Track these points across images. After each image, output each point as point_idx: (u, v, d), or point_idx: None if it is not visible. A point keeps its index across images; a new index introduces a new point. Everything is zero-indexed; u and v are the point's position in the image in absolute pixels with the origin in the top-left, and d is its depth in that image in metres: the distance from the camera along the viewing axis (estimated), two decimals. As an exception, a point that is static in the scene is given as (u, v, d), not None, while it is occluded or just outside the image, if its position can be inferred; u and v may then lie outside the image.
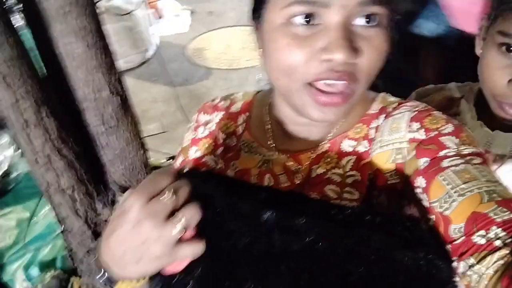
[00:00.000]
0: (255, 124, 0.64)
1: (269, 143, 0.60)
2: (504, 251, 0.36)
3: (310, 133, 0.57)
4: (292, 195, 0.53)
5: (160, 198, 0.40)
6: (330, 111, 0.48)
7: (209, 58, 3.49)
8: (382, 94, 0.59)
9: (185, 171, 0.48)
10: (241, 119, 0.65)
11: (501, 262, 0.36)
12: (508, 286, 0.34)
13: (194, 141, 0.66)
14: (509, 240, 0.37)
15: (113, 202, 1.36)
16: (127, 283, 0.48)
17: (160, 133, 2.66)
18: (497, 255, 0.36)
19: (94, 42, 1.15)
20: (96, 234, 1.35)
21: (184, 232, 0.40)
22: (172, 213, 0.40)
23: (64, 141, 1.15)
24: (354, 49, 0.43)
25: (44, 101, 1.07)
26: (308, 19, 0.44)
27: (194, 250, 0.41)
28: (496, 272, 0.36)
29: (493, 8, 0.67)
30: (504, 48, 0.63)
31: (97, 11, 1.18)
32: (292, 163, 0.58)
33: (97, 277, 0.46)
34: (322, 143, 0.57)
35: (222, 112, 0.67)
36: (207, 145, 0.64)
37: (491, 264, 0.36)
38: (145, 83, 3.20)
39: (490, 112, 0.71)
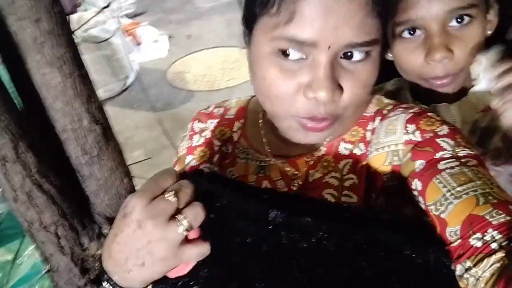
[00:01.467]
0: (250, 130, 0.64)
1: (265, 148, 0.60)
2: (500, 254, 0.36)
3: None
4: (294, 196, 0.53)
5: (163, 198, 0.39)
6: (314, 135, 0.50)
7: (189, 81, 3.49)
8: (377, 96, 0.60)
9: (188, 172, 0.47)
10: (236, 126, 0.65)
11: (497, 265, 0.36)
12: None
13: (190, 150, 0.66)
14: (505, 243, 0.36)
15: (99, 235, 1.30)
16: None
17: (145, 159, 2.62)
18: (493, 258, 0.36)
19: (71, 71, 1.12)
20: (84, 271, 1.29)
21: (189, 233, 0.40)
22: (176, 213, 0.40)
23: (44, 176, 1.10)
24: (337, 88, 0.45)
25: (22, 135, 1.03)
26: (295, 54, 0.45)
27: (199, 250, 0.41)
28: (492, 275, 0.36)
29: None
30: (406, 33, 0.65)
31: (74, 40, 1.15)
32: (289, 168, 0.57)
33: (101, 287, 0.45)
34: (319, 147, 0.56)
35: (217, 119, 0.67)
36: (203, 153, 0.64)
37: (488, 267, 0.36)
38: (127, 110, 3.17)
39: (425, 91, 0.74)
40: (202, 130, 0.67)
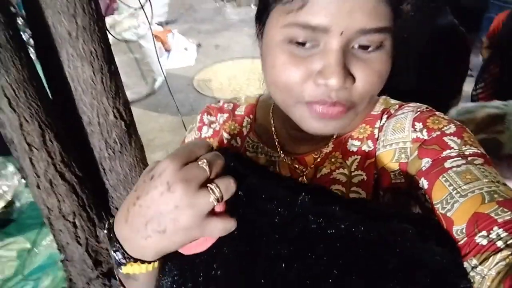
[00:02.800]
0: (260, 126, 0.63)
1: (275, 144, 0.60)
2: (506, 252, 0.36)
3: (314, 136, 0.56)
4: (319, 187, 0.51)
5: (197, 164, 0.37)
6: (330, 123, 0.47)
7: (215, 88, 3.53)
8: (384, 97, 0.59)
9: (217, 149, 0.45)
10: (245, 121, 0.65)
11: (503, 263, 0.35)
12: (510, 287, 0.33)
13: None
14: (511, 240, 0.36)
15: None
16: (138, 266, 0.42)
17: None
18: (499, 256, 0.36)
19: (101, 67, 1.16)
20: (97, 263, 1.31)
21: (216, 205, 0.37)
22: (206, 183, 0.37)
23: (67, 165, 1.13)
24: (349, 75, 0.43)
25: (50, 124, 1.07)
26: (306, 41, 0.44)
27: (225, 225, 0.38)
28: (498, 273, 0.35)
29: None
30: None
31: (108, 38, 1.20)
32: (297, 165, 0.57)
33: (111, 253, 0.42)
34: (327, 144, 0.56)
35: (227, 114, 0.66)
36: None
37: (493, 265, 0.36)
38: (152, 113, 3.23)
39: None
40: (211, 123, 0.66)
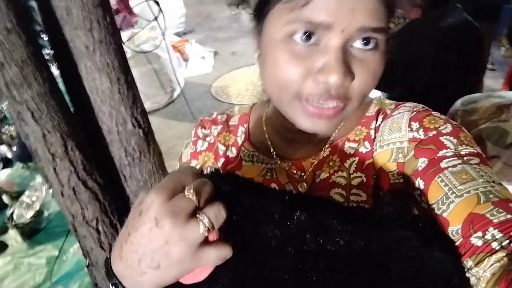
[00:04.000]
0: (254, 134, 0.63)
1: (270, 151, 0.60)
2: (501, 254, 0.35)
3: (310, 139, 0.57)
4: (315, 197, 0.51)
5: (183, 195, 0.36)
6: (321, 123, 0.47)
7: (232, 95, 3.57)
8: (378, 97, 0.59)
9: (206, 172, 0.44)
10: (240, 131, 0.65)
11: (498, 264, 0.35)
12: None
13: (194, 155, 0.65)
14: (506, 242, 0.36)
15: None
16: None
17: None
18: (494, 257, 0.36)
19: (118, 78, 1.21)
20: None
21: (209, 234, 0.36)
22: (195, 213, 0.36)
23: (89, 173, 1.18)
24: (349, 73, 0.44)
25: (70, 135, 1.12)
26: (308, 38, 0.44)
27: (220, 253, 0.37)
28: (493, 274, 0.35)
29: None
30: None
31: (126, 54, 1.24)
32: (295, 171, 0.57)
33: None
34: (323, 148, 0.56)
35: (221, 126, 0.66)
36: (207, 158, 0.64)
37: (488, 267, 0.36)
38: (172, 122, 3.30)
39: None
40: (206, 136, 0.66)
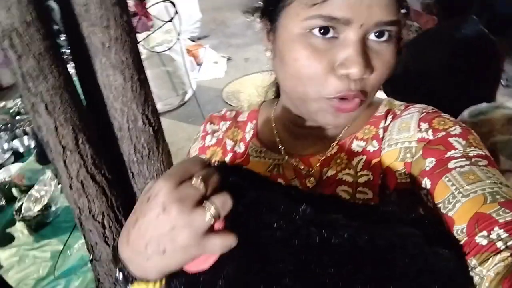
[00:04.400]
0: (263, 130, 0.64)
1: (278, 147, 0.60)
2: (506, 254, 0.35)
3: (318, 136, 0.58)
4: (321, 195, 0.52)
5: (191, 183, 0.37)
6: (341, 116, 0.50)
7: (243, 100, 3.59)
8: (388, 98, 0.60)
9: (213, 164, 0.45)
10: (248, 127, 0.66)
11: (502, 264, 0.35)
12: None
13: (202, 150, 0.66)
14: (511, 242, 0.36)
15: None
16: (144, 285, 0.42)
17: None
18: (498, 257, 0.36)
19: (132, 75, 1.22)
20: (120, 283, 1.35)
21: (215, 222, 0.37)
22: (202, 201, 0.37)
23: (97, 167, 1.19)
24: (369, 65, 0.46)
25: (82, 128, 1.13)
26: (326, 32, 0.46)
27: (224, 242, 0.38)
28: (497, 274, 0.35)
29: None
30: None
31: (141, 56, 1.26)
32: (302, 167, 0.57)
33: (115, 277, 0.42)
34: (331, 145, 0.57)
35: (229, 122, 0.68)
36: (215, 153, 0.65)
37: (492, 266, 0.36)
38: (182, 124, 3.32)
39: None
40: (215, 131, 0.67)
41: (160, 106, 3.37)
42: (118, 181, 1.28)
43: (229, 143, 0.65)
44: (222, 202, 0.37)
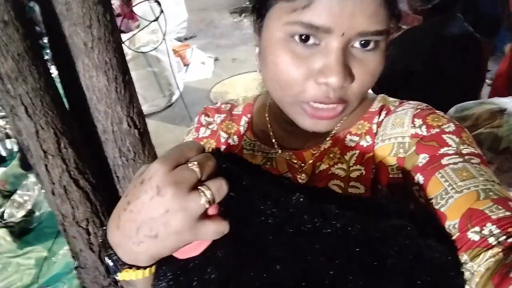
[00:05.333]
0: (257, 124, 0.64)
1: (272, 141, 0.60)
2: (497, 249, 0.35)
3: (311, 132, 0.56)
4: (314, 188, 0.51)
5: (187, 166, 0.36)
6: (322, 123, 0.49)
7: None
8: (382, 95, 0.60)
9: (209, 150, 0.44)
10: (243, 120, 0.65)
11: (493, 259, 0.35)
12: (499, 283, 0.33)
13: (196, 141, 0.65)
14: (503, 238, 0.36)
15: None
16: (133, 272, 0.40)
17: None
18: (489, 252, 0.36)
19: (115, 76, 1.19)
20: (109, 271, 1.32)
21: (208, 208, 0.36)
22: (197, 185, 0.36)
23: (81, 172, 1.15)
24: (349, 75, 0.45)
25: (64, 132, 1.10)
26: (307, 39, 0.45)
27: (218, 228, 0.37)
28: (487, 270, 0.35)
29: None
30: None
31: (126, 57, 1.23)
32: (295, 160, 0.57)
33: (105, 262, 0.40)
34: (325, 140, 0.57)
35: (224, 114, 0.67)
36: (209, 144, 0.64)
37: (483, 262, 0.36)
38: (169, 125, 3.28)
39: None
40: (209, 123, 0.67)
41: (146, 108, 3.33)
42: (103, 186, 1.24)
43: (223, 136, 0.64)
44: (218, 187, 0.37)
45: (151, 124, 3.31)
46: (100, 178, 1.24)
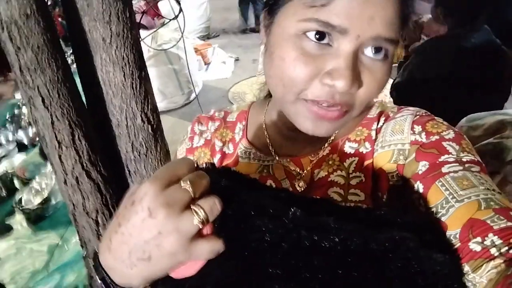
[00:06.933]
0: (252, 131, 0.63)
1: (269, 148, 0.59)
2: (499, 260, 0.35)
3: (310, 138, 0.56)
4: (312, 198, 0.49)
5: (179, 186, 0.35)
6: (323, 125, 0.47)
7: (248, 100, 3.58)
8: (380, 100, 0.59)
9: (202, 166, 0.43)
10: (237, 128, 0.64)
11: (495, 271, 0.34)
12: None
13: (190, 151, 0.65)
14: (505, 249, 0.35)
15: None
16: None
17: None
18: (491, 264, 0.35)
19: (131, 72, 1.21)
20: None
21: (203, 227, 0.36)
22: (189, 205, 0.35)
23: (93, 164, 1.18)
24: (357, 80, 0.44)
25: (79, 124, 1.12)
26: (321, 38, 0.44)
27: (212, 247, 0.36)
28: (490, 281, 0.34)
29: None
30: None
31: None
32: (293, 168, 0.56)
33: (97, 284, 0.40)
34: (323, 146, 0.56)
35: (218, 122, 0.66)
36: (203, 154, 0.63)
37: (485, 273, 0.35)
38: (186, 123, 3.32)
39: None
40: (203, 132, 0.65)
41: (165, 104, 3.38)
42: (114, 179, 1.27)
43: (218, 144, 0.63)
44: (210, 206, 0.36)
45: (169, 121, 3.37)
46: (112, 171, 1.26)
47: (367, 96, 0.46)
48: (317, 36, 0.44)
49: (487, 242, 0.36)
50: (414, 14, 0.48)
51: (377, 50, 0.44)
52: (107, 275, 0.38)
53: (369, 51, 0.44)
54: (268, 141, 0.60)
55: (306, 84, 0.45)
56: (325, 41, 0.44)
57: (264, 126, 0.62)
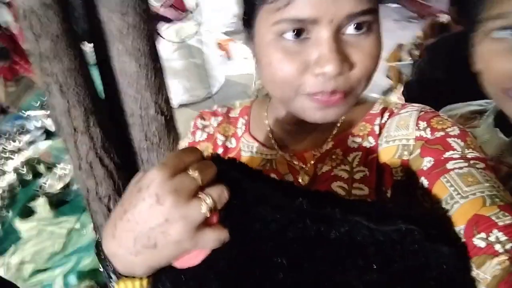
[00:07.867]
0: (255, 125, 0.63)
1: (271, 142, 0.60)
2: (503, 257, 0.35)
3: (313, 133, 0.57)
4: (316, 191, 0.49)
5: (187, 173, 0.35)
6: (331, 111, 0.48)
7: (269, 97, 3.59)
8: (383, 97, 0.60)
9: (208, 155, 0.43)
10: (240, 123, 0.65)
11: (499, 267, 0.34)
12: None
13: (192, 145, 0.66)
14: (510, 245, 0.35)
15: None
16: (130, 283, 0.39)
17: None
18: (496, 260, 0.35)
19: (146, 63, 1.24)
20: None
21: (210, 215, 0.35)
22: (197, 193, 0.35)
23: (107, 151, 1.22)
24: (345, 60, 0.44)
25: (94, 111, 1.17)
26: (298, 34, 0.45)
27: (218, 236, 0.36)
28: (494, 277, 0.35)
29: None
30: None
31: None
32: (296, 162, 0.57)
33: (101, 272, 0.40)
34: (326, 141, 0.56)
35: (220, 117, 0.67)
36: (205, 148, 0.64)
37: (489, 269, 0.35)
38: (206, 116, 3.36)
39: (508, 121, 0.64)
40: (205, 127, 0.66)
41: (186, 97, 3.43)
42: (126, 167, 1.31)
43: (220, 138, 0.64)
44: (218, 194, 0.36)
45: (188, 113, 3.41)
46: (125, 159, 1.30)
47: (363, 73, 0.46)
48: (294, 34, 0.44)
49: (492, 238, 0.37)
50: None
51: (358, 25, 0.44)
52: (110, 262, 0.38)
53: (350, 30, 0.44)
54: (271, 136, 0.60)
55: (299, 80, 0.46)
56: (303, 36, 0.44)
57: (266, 121, 0.62)
